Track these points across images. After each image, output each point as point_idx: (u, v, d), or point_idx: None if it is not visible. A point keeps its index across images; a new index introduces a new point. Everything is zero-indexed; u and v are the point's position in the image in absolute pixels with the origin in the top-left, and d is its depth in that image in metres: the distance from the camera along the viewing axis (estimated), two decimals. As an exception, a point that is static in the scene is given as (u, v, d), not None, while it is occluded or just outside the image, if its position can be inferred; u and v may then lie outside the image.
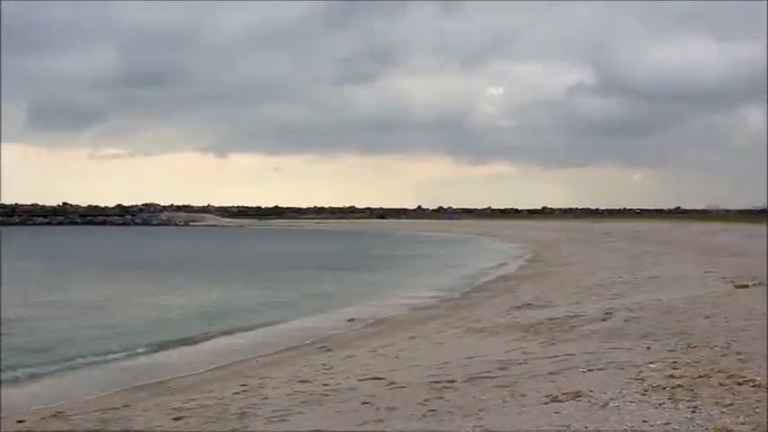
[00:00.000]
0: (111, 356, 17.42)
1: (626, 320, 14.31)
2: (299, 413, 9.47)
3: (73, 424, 10.62)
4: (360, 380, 11.40)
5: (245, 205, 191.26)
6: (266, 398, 10.91)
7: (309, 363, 14.42)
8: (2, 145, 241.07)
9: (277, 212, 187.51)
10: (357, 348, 15.89)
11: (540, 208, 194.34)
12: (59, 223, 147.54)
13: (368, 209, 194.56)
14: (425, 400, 9.10)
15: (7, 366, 16.25)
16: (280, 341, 18.92)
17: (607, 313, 15.69)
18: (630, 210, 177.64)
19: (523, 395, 8.79)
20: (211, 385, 13.00)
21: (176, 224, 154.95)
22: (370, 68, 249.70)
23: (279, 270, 43.00)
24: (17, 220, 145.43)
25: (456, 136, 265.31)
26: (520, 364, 11.04)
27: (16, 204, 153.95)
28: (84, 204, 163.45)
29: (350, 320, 21.97)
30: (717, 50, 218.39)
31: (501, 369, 10.68)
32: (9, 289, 30.52)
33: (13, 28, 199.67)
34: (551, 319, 16.05)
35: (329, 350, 16.25)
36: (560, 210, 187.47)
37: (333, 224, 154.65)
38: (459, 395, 9.21)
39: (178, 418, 10.00)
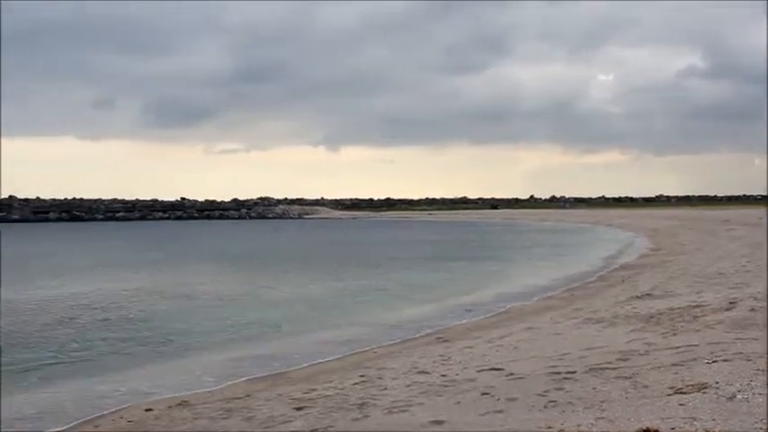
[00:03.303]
0: (229, 347, 17.76)
1: (751, 310, 13.90)
2: (419, 404, 9.51)
3: (198, 413, 10.90)
4: (478, 371, 11.39)
5: (358, 197, 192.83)
6: (385, 388, 11.00)
7: (427, 354, 14.45)
8: (120, 142, 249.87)
9: (389, 204, 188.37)
10: (474, 339, 15.87)
11: (655, 196, 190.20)
12: (178, 218, 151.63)
13: (480, 199, 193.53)
14: (545, 392, 9.05)
15: (130, 356, 16.83)
16: (396, 332, 18.99)
17: (731, 303, 15.27)
18: (751, 196, 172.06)
19: (646, 387, 8.65)
20: (330, 376, 13.14)
21: (291, 217, 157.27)
22: (479, 57, 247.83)
23: (394, 261, 43.19)
24: (138, 215, 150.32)
25: (566, 124, 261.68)
26: (641, 354, 10.86)
27: (137, 200, 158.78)
28: (201, 199, 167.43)
29: (467, 311, 21.98)
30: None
31: (622, 360, 10.54)
32: (128, 277, 31.56)
33: (124, 29, 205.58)
34: (672, 309, 15.71)
35: (446, 341, 16.25)
36: (676, 197, 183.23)
37: (445, 215, 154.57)
38: (580, 386, 9.12)
39: (299, 408, 10.18)
